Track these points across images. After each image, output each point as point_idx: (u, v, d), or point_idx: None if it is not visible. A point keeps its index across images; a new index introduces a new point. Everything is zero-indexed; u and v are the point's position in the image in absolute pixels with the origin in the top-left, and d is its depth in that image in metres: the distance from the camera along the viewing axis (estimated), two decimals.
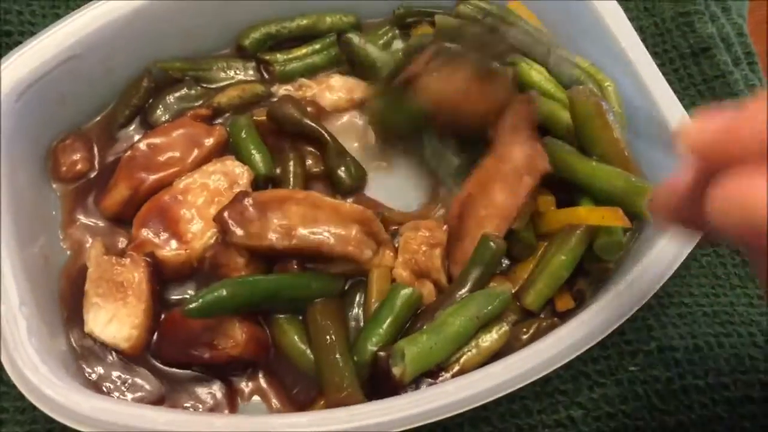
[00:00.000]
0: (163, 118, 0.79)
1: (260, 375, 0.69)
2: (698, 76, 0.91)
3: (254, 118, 0.80)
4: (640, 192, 0.69)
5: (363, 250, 0.69)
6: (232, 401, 0.66)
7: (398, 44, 0.89)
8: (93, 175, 0.76)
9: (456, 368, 0.65)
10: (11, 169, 0.67)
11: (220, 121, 0.81)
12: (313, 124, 0.78)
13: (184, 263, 0.70)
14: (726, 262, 0.81)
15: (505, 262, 0.75)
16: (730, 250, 0.82)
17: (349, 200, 0.77)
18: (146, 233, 0.70)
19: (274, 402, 0.67)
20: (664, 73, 0.76)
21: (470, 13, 0.82)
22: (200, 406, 0.66)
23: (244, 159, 0.76)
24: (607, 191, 0.70)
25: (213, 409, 0.66)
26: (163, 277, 0.70)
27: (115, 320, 0.66)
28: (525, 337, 0.69)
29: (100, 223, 0.74)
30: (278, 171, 0.77)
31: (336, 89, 0.83)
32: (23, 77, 0.69)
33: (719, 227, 0.38)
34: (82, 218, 0.74)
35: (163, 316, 0.69)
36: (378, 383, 0.64)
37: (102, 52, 0.75)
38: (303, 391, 0.67)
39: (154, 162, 0.74)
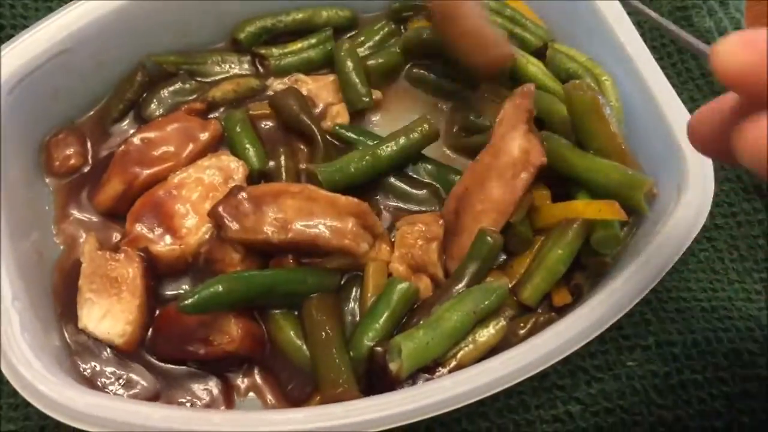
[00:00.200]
0: (157, 113, 0.78)
1: (256, 371, 0.68)
2: (696, 71, 0.91)
3: (249, 112, 0.79)
4: (637, 185, 0.69)
5: (359, 243, 0.69)
6: (229, 397, 0.66)
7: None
8: (86, 169, 0.76)
9: (453, 363, 0.64)
10: (4, 164, 0.67)
11: (215, 115, 0.80)
12: (308, 122, 0.78)
13: (178, 258, 0.69)
14: (724, 257, 0.81)
15: (502, 256, 0.74)
16: (727, 245, 0.82)
17: None
18: (140, 228, 0.70)
19: (269, 398, 0.67)
20: (662, 68, 0.76)
21: None
22: (197, 402, 0.65)
23: (238, 153, 0.75)
24: (604, 185, 0.70)
25: (209, 405, 0.65)
26: (157, 272, 0.69)
27: (109, 316, 0.66)
28: (522, 332, 0.68)
29: (94, 218, 0.73)
30: (271, 164, 0.77)
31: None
32: (15, 71, 0.69)
33: (748, 166, 0.36)
34: (76, 213, 0.73)
35: (157, 312, 0.68)
36: (374, 379, 0.64)
37: (95, 46, 0.74)
38: (298, 387, 0.67)
39: (148, 156, 0.73)
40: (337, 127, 0.79)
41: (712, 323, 0.75)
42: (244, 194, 0.68)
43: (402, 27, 0.88)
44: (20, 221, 0.67)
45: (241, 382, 0.68)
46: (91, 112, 0.78)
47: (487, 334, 0.66)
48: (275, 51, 0.84)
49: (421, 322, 0.65)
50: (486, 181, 0.72)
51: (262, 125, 0.80)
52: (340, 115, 0.81)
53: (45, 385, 0.56)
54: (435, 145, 0.80)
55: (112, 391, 0.64)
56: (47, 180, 0.74)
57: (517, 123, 0.72)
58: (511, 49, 0.78)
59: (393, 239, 0.73)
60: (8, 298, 0.60)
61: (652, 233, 0.68)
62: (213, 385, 0.66)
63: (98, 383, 0.64)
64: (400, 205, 0.77)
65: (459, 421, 0.69)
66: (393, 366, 0.61)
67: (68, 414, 0.55)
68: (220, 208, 0.67)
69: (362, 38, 0.87)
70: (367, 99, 0.81)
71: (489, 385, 0.59)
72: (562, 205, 0.72)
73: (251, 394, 0.67)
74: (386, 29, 0.88)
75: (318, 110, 0.82)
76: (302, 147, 0.78)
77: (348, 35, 0.88)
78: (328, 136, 0.79)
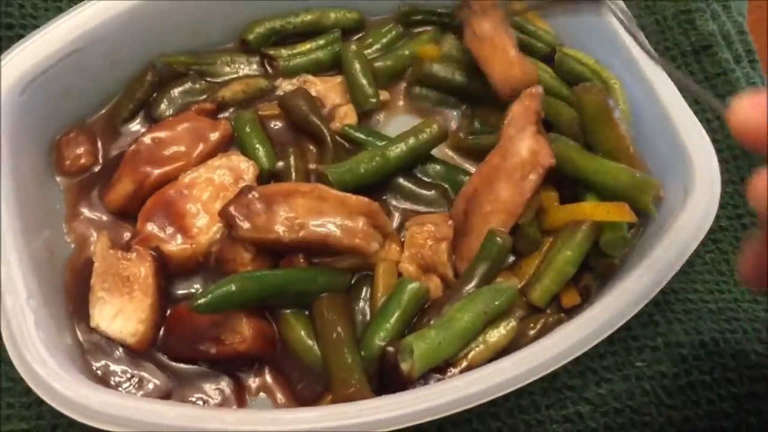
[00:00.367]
0: (167, 113, 0.78)
1: (266, 370, 0.68)
2: (700, 74, 0.92)
3: (258, 112, 0.79)
4: (646, 188, 0.69)
5: (370, 243, 0.69)
6: (241, 396, 0.66)
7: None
8: (97, 168, 0.76)
9: (464, 364, 0.65)
10: (15, 163, 0.67)
11: (224, 115, 0.80)
12: (317, 122, 0.78)
13: (189, 258, 0.69)
14: (729, 259, 0.81)
15: (510, 257, 0.74)
16: (732, 247, 0.82)
17: None
18: (151, 227, 0.70)
19: (280, 397, 0.67)
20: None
21: None
22: (209, 401, 0.65)
23: (248, 153, 0.76)
24: (612, 187, 0.71)
25: (221, 404, 0.65)
26: (168, 271, 0.69)
27: (121, 315, 0.66)
28: (532, 332, 0.69)
29: (104, 217, 0.73)
30: (281, 164, 0.77)
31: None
32: (27, 71, 0.69)
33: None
34: (86, 212, 0.73)
35: (169, 311, 0.68)
36: (385, 378, 0.64)
37: (106, 46, 0.74)
38: (308, 387, 0.67)
39: (159, 156, 0.73)
40: (346, 128, 0.79)
41: (719, 324, 0.75)
42: (255, 194, 0.68)
43: (410, 29, 0.89)
44: (32, 220, 0.67)
45: (252, 382, 0.68)
46: (102, 112, 0.78)
47: (497, 334, 0.66)
48: (284, 52, 0.84)
49: (432, 322, 0.66)
50: (495, 182, 0.72)
51: (272, 125, 0.80)
52: (347, 115, 0.81)
53: (60, 383, 0.56)
54: (439, 147, 0.80)
55: (124, 390, 0.64)
56: (58, 179, 0.74)
57: (525, 124, 0.73)
58: (537, 79, 0.79)
59: (402, 239, 0.73)
60: (23, 296, 0.60)
61: (659, 235, 0.68)
62: (224, 385, 0.66)
63: (111, 382, 0.64)
64: (409, 205, 0.77)
65: (470, 422, 0.69)
66: (405, 366, 0.61)
67: (83, 412, 0.55)
68: (231, 208, 0.67)
69: (370, 40, 0.87)
70: (375, 100, 0.81)
71: (500, 386, 0.59)
72: (571, 206, 0.73)
73: (262, 394, 0.67)
74: (394, 32, 0.88)
75: (326, 111, 0.82)
76: (311, 147, 0.79)
77: (356, 37, 0.89)
78: (337, 137, 0.79)
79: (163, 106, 0.78)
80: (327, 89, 0.83)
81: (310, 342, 0.67)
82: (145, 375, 0.65)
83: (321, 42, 0.86)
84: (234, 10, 0.82)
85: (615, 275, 0.72)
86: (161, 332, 0.67)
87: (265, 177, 0.75)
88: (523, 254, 0.74)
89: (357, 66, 0.82)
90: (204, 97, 0.80)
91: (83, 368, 0.63)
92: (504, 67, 0.77)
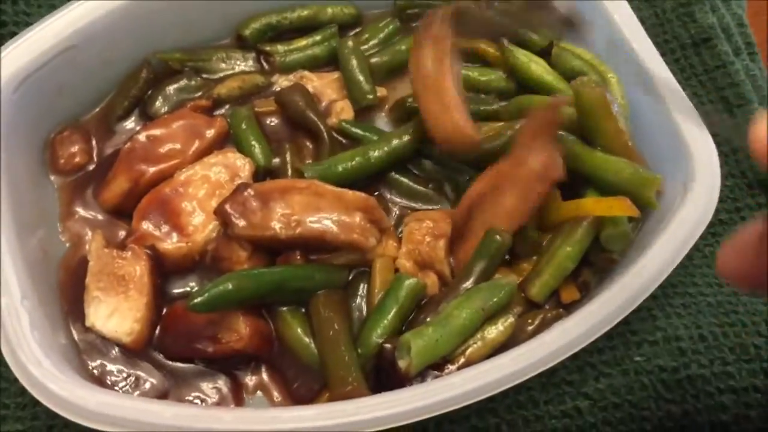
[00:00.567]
0: (162, 110, 0.78)
1: (263, 369, 0.68)
2: (699, 66, 0.91)
3: (255, 109, 0.79)
4: (648, 183, 0.69)
5: (368, 238, 0.69)
6: (238, 395, 0.66)
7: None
8: (91, 167, 0.75)
9: (462, 360, 0.64)
10: (9, 161, 0.67)
11: (220, 112, 0.80)
12: (314, 118, 0.77)
13: (185, 256, 0.69)
14: None
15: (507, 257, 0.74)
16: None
17: None
18: (147, 226, 0.69)
19: (276, 396, 0.67)
20: (665, 64, 0.76)
21: None
22: (207, 399, 0.65)
23: (244, 151, 0.75)
24: (614, 182, 0.70)
25: (218, 403, 0.65)
26: (163, 270, 0.69)
27: (117, 314, 0.65)
28: (530, 328, 0.68)
29: (99, 216, 0.73)
30: (277, 161, 0.76)
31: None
32: (21, 68, 0.68)
33: None
34: (81, 211, 0.73)
35: (165, 310, 0.68)
36: (383, 376, 0.64)
37: (100, 43, 0.74)
38: (304, 386, 0.67)
39: (154, 154, 0.73)
40: (343, 124, 0.79)
41: (718, 318, 0.75)
42: (250, 191, 0.68)
43: (407, 24, 0.88)
44: (26, 219, 0.67)
45: (249, 380, 0.67)
46: (96, 110, 0.78)
47: (495, 331, 0.66)
48: (280, 48, 0.84)
49: (429, 319, 0.65)
50: (501, 189, 0.71)
51: (268, 122, 0.80)
52: (344, 111, 0.81)
53: (55, 383, 0.56)
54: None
55: (120, 389, 0.64)
56: (52, 178, 0.74)
57: (539, 135, 0.71)
58: (479, 139, 0.73)
59: (399, 235, 0.73)
60: (17, 297, 0.59)
61: (659, 230, 0.68)
62: (221, 384, 0.66)
63: (107, 382, 0.64)
64: (405, 201, 0.77)
65: (468, 418, 0.69)
66: (402, 363, 0.61)
67: (79, 413, 0.55)
68: (227, 206, 0.67)
69: (366, 35, 0.87)
70: (371, 96, 0.81)
71: (498, 382, 0.59)
72: (572, 203, 0.72)
73: (259, 392, 0.67)
74: (391, 27, 0.88)
75: (322, 107, 0.81)
76: (308, 143, 0.78)
77: (352, 32, 0.88)
78: (333, 133, 0.79)
79: (158, 104, 0.78)
80: (324, 85, 0.83)
81: (306, 340, 0.67)
82: (142, 374, 0.65)
83: (318, 38, 0.85)
84: (229, 5, 0.81)
85: (614, 270, 0.71)
86: (157, 331, 0.67)
87: (262, 174, 0.75)
88: (521, 256, 0.73)
89: (354, 62, 0.82)
90: (199, 94, 0.80)
91: (79, 368, 0.63)
92: (436, 113, 0.71)
